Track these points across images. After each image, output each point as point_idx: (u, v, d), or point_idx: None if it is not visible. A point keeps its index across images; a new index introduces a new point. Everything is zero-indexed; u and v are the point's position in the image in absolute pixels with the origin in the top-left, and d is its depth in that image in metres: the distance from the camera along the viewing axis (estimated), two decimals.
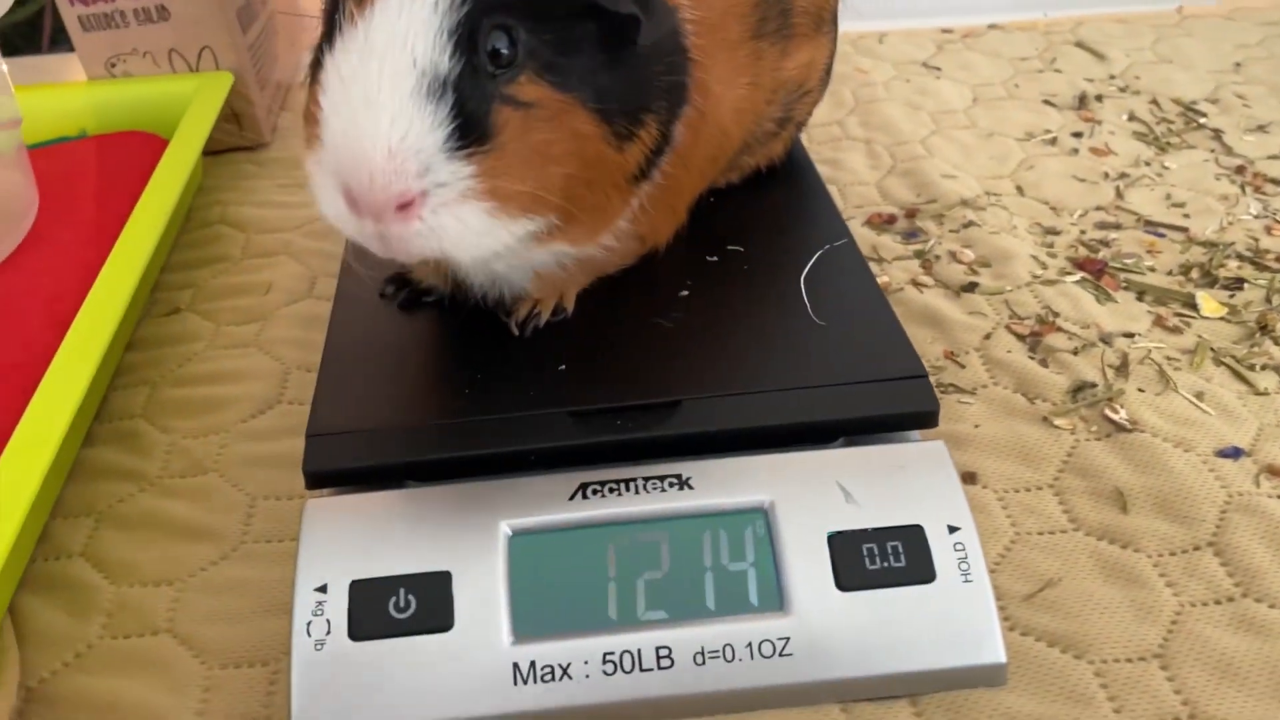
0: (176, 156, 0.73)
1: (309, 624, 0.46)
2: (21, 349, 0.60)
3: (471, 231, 0.45)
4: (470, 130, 0.44)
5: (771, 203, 0.69)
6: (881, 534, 0.49)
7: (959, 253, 0.74)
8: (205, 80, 0.84)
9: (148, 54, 0.86)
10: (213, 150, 0.90)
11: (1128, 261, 0.73)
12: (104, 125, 0.84)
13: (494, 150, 0.44)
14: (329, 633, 0.46)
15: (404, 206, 0.43)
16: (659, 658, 0.46)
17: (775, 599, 0.47)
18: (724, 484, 0.50)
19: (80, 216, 0.72)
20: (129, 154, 0.78)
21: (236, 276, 0.75)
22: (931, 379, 0.53)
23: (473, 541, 0.48)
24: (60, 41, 1.07)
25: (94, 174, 0.77)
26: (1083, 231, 0.77)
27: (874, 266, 0.72)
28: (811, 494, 0.50)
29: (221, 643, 0.51)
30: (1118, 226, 0.77)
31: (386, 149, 0.42)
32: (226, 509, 0.57)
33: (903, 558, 0.48)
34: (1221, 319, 0.68)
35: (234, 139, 0.90)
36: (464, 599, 0.47)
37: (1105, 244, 0.75)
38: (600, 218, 0.52)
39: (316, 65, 0.46)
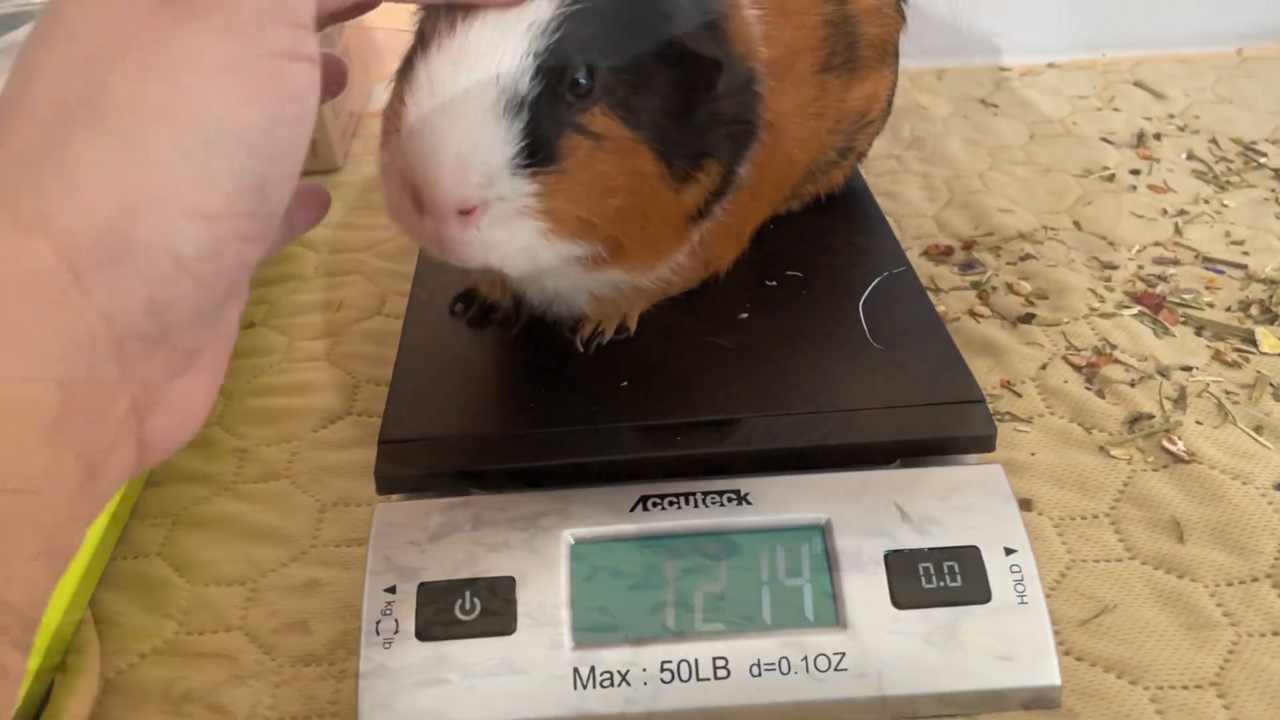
0: None
1: (378, 623, 0.48)
2: None
3: (521, 248, 0.47)
4: (538, 151, 0.45)
5: (830, 230, 0.70)
6: (938, 554, 0.49)
7: (1016, 285, 0.75)
8: None
9: None
10: None
11: (1186, 297, 0.73)
12: None
13: (557, 173, 0.46)
14: (397, 632, 0.48)
15: (464, 213, 0.45)
16: (715, 668, 0.47)
17: (831, 615, 0.48)
18: (782, 501, 0.51)
19: None
20: None
21: (309, 294, 0.78)
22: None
23: (536, 549, 0.50)
24: None
25: None
26: (1140, 267, 0.77)
27: (931, 296, 0.73)
28: (869, 513, 0.51)
29: (291, 640, 0.53)
30: (1176, 262, 0.77)
31: (456, 156, 0.44)
32: (297, 514, 0.59)
33: (959, 578, 0.49)
34: None
35: (309, 164, 0.93)
36: (527, 604, 0.48)
37: (1163, 279, 0.75)
38: (654, 252, 0.54)
39: (408, 66, 0.48)
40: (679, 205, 0.51)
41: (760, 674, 0.47)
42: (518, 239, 0.46)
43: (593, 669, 0.47)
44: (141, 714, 0.50)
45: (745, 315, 0.61)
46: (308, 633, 0.53)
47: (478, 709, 0.46)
